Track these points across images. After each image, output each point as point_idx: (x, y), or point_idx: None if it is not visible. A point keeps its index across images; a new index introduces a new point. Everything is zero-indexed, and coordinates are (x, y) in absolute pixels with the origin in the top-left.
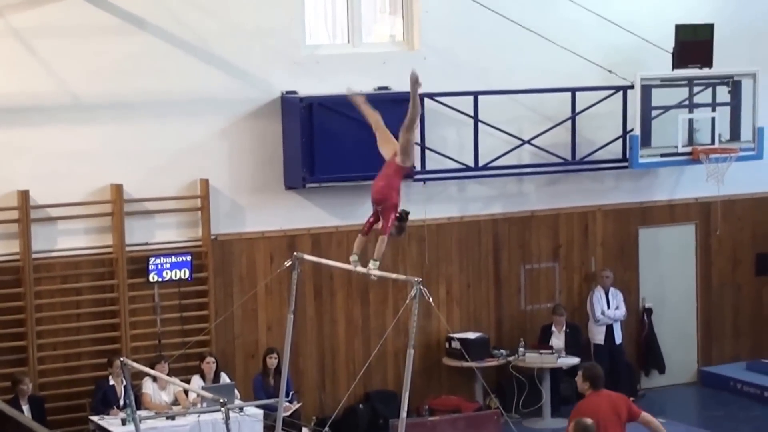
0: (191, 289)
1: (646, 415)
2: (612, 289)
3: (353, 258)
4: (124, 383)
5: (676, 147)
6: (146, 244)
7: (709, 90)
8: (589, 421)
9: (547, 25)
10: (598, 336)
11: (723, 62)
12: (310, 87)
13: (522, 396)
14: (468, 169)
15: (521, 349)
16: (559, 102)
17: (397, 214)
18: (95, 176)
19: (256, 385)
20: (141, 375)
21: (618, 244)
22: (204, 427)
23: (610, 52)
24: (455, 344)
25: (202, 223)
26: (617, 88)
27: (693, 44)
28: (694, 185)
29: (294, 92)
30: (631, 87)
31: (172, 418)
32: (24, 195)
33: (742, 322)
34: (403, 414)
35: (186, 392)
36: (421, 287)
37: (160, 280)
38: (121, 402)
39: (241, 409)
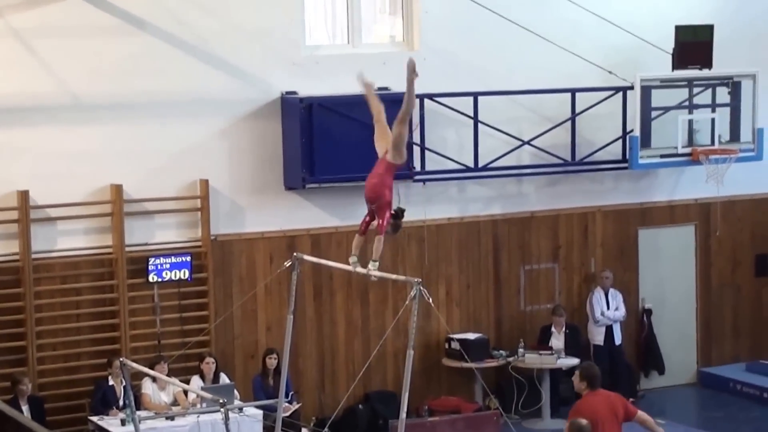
0: (191, 290)
1: (641, 414)
2: (612, 290)
3: (352, 259)
4: (124, 383)
5: (676, 148)
6: (146, 244)
7: (709, 91)
8: (584, 421)
9: (546, 26)
10: (597, 337)
11: (723, 63)
12: (310, 87)
13: (521, 397)
14: (468, 169)
15: (521, 350)
16: (559, 103)
17: (393, 212)
18: (95, 176)
19: (256, 385)
20: (140, 375)
21: (618, 244)
22: (203, 428)
23: (610, 52)
24: (455, 345)
25: (201, 224)
26: (617, 89)
27: (693, 45)
28: (693, 186)
29: (294, 93)
30: (631, 88)
31: (172, 418)
32: (24, 195)
33: (742, 323)
34: (403, 414)
35: (185, 393)
36: (421, 288)
37: (159, 280)
38: (121, 402)
39: (240, 409)
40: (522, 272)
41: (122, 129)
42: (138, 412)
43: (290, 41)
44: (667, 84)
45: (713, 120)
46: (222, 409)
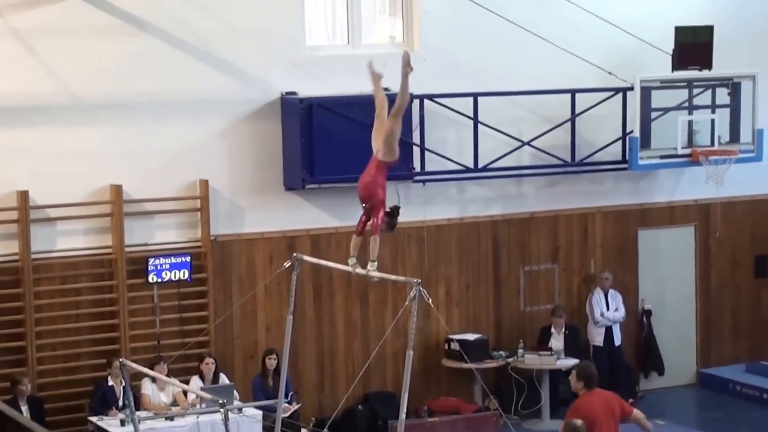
0: (190, 290)
1: (637, 413)
2: (611, 291)
3: (351, 260)
4: (123, 384)
5: (676, 149)
6: (145, 244)
7: (709, 92)
8: (579, 422)
9: (546, 27)
10: (597, 337)
11: (722, 64)
12: (310, 88)
13: (521, 397)
14: (467, 170)
15: (520, 351)
16: (559, 103)
17: (388, 210)
18: (95, 176)
19: (255, 386)
20: (140, 376)
21: (617, 245)
22: (203, 428)
23: (610, 53)
24: (454, 345)
25: (201, 224)
26: (617, 90)
27: (693, 46)
28: (693, 187)
29: (294, 93)
30: (631, 89)
31: (171, 418)
32: (23, 195)
33: (742, 324)
34: (402, 415)
35: (185, 393)
36: (421, 288)
37: (159, 280)
38: (120, 403)
39: (240, 409)
40: (522, 273)
41: (122, 129)
42: (137, 413)
43: (290, 41)
44: (666, 85)
45: (713, 121)
46: (221, 410)
